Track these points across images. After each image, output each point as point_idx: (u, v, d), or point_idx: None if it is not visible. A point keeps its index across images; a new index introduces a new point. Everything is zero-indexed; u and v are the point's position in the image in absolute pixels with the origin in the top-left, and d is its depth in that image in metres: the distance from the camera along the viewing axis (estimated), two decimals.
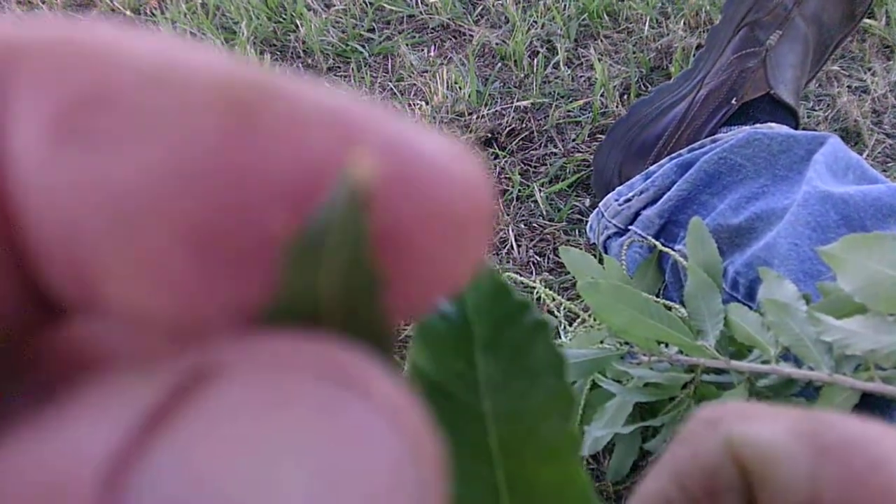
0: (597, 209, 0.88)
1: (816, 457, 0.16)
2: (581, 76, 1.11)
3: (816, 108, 1.04)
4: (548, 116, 1.05)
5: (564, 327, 0.74)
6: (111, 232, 0.09)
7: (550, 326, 0.17)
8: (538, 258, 0.89)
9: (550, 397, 0.17)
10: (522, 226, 0.92)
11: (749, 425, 0.17)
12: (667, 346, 0.63)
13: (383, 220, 0.09)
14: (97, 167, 0.09)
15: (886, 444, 0.16)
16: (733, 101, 0.89)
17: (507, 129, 1.03)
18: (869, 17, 1.13)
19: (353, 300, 0.10)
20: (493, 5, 1.22)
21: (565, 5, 1.21)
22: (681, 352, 0.61)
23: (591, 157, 0.99)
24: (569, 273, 0.85)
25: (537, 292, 0.81)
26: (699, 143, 0.85)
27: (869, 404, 0.52)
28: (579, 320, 0.73)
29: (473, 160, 0.10)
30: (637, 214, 0.83)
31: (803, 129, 0.94)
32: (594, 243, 0.88)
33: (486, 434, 0.17)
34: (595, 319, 0.69)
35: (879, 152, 0.98)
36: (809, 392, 0.56)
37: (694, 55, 1.09)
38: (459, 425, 0.17)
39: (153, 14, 1.25)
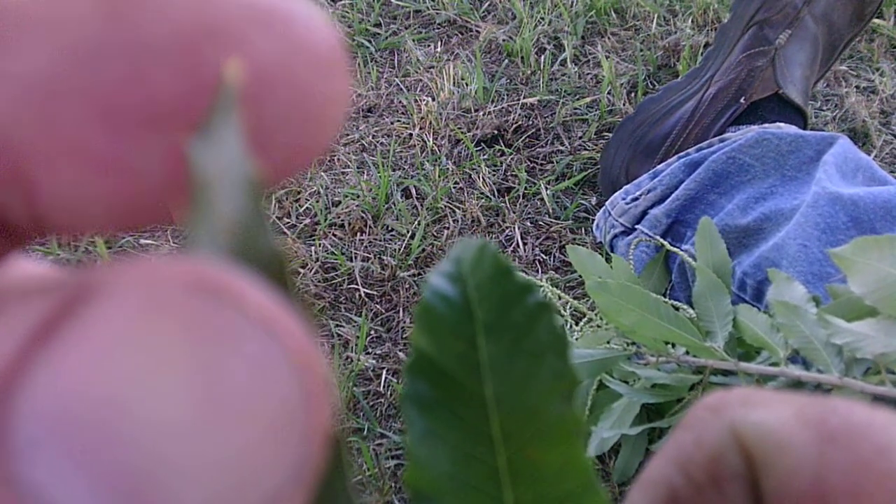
0: (603, 208, 0.87)
1: (822, 442, 0.16)
2: (588, 73, 1.10)
3: (824, 108, 1.04)
4: (554, 114, 1.04)
5: (571, 326, 0.74)
6: (32, 120, 0.10)
7: (553, 307, 0.17)
8: (544, 256, 0.89)
9: (553, 379, 0.16)
10: (528, 224, 0.92)
11: (754, 411, 0.17)
12: (674, 346, 0.63)
13: (254, 66, 0.11)
14: (5, 68, 0.10)
15: (893, 429, 0.16)
16: (742, 101, 0.88)
17: (514, 126, 1.03)
18: (878, 18, 1.12)
19: (243, 224, 0.11)
20: (500, 1, 1.21)
21: (573, 2, 1.20)
22: (688, 353, 0.61)
23: (598, 155, 0.98)
24: (575, 272, 0.85)
25: (543, 291, 0.81)
26: (707, 142, 0.85)
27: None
28: (586, 319, 0.72)
29: (320, 10, 0.12)
30: (644, 213, 0.82)
31: (811, 129, 0.94)
32: (600, 242, 0.88)
33: (488, 417, 0.17)
34: (602, 319, 0.69)
35: (888, 153, 0.98)
36: (818, 395, 0.56)
37: (702, 53, 1.08)
38: (461, 408, 0.17)
39: None
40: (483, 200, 0.94)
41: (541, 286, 0.79)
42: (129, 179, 0.11)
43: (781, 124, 0.86)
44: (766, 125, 0.86)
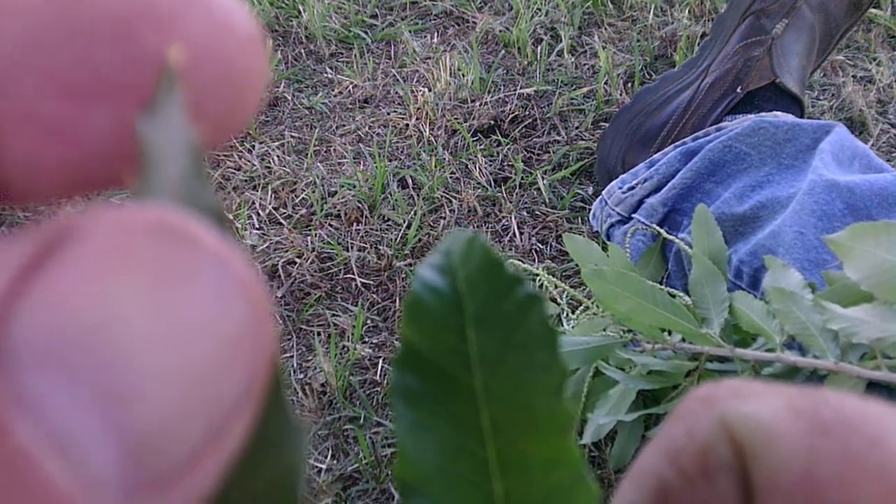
0: (600, 197, 0.87)
1: (813, 434, 0.15)
2: (585, 64, 1.10)
3: (821, 97, 1.04)
4: (551, 104, 1.04)
5: (567, 315, 0.74)
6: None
7: (543, 299, 0.17)
8: (541, 246, 0.88)
9: (543, 371, 0.16)
10: (525, 213, 0.92)
11: (745, 403, 0.17)
12: (670, 333, 0.63)
13: (185, 45, 0.12)
14: None
15: (886, 421, 0.16)
16: (738, 90, 0.88)
17: (511, 116, 1.03)
18: (875, 7, 1.12)
19: (188, 182, 0.12)
20: None
21: None
22: (684, 340, 0.61)
23: (595, 144, 0.98)
24: (571, 261, 0.85)
25: (540, 280, 0.81)
26: (704, 131, 0.85)
27: (875, 393, 0.52)
28: (582, 307, 0.72)
29: None
30: (640, 202, 0.82)
31: (808, 118, 0.93)
32: (597, 231, 0.87)
33: (478, 409, 0.16)
34: (598, 307, 0.69)
35: (884, 142, 0.98)
36: (814, 380, 0.56)
37: (698, 44, 1.08)
38: (450, 401, 0.16)
39: None
40: (480, 190, 0.94)
41: (537, 275, 0.79)
42: (79, 146, 0.12)
43: (778, 113, 0.86)
44: (763, 114, 0.86)
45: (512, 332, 0.17)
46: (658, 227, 0.77)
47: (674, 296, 0.64)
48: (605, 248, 0.73)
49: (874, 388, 0.52)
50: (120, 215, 0.10)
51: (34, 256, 0.09)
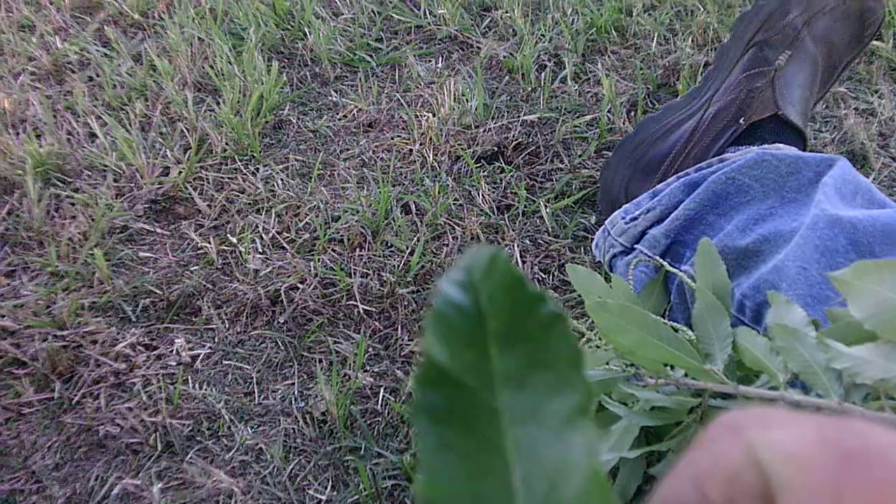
0: (603, 227, 0.87)
1: (840, 464, 0.15)
2: (588, 91, 1.11)
3: (823, 129, 1.04)
4: (554, 131, 1.04)
5: None
6: None
7: (567, 318, 0.17)
8: (543, 275, 0.89)
9: (568, 391, 0.16)
10: (528, 241, 0.92)
11: (772, 431, 0.17)
12: (673, 368, 0.63)
13: None
14: None
15: None
16: (741, 121, 0.88)
17: (514, 143, 1.03)
18: (877, 40, 1.13)
19: None
20: (501, 17, 1.22)
21: (573, 20, 1.21)
22: (687, 375, 0.61)
23: (598, 173, 0.98)
24: (574, 291, 0.85)
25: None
26: (707, 162, 0.85)
27: None
28: (584, 339, 0.72)
29: None
30: (643, 233, 0.82)
31: (810, 150, 0.94)
32: (599, 261, 0.88)
33: (501, 430, 0.16)
34: (601, 339, 0.69)
35: (886, 175, 0.98)
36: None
37: (701, 73, 1.08)
38: (474, 420, 0.16)
39: (161, 18, 1.25)
40: (482, 217, 0.94)
41: None
42: None
43: (781, 145, 0.86)
44: (766, 146, 0.86)
45: (536, 351, 0.17)
46: (661, 260, 0.77)
47: (677, 330, 0.64)
48: (608, 279, 0.73)
49: None
50: None
51: None
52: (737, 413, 0.18)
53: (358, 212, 0.95)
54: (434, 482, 0.16)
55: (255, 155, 1.04)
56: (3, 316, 0.84)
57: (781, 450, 0.16)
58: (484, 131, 1.05)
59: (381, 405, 0.78)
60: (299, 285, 0.87)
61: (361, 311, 0.85)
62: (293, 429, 0.76)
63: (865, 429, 0.16)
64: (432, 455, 0.16)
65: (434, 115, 1.06)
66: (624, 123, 1.05)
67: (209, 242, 0.92)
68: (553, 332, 0.17)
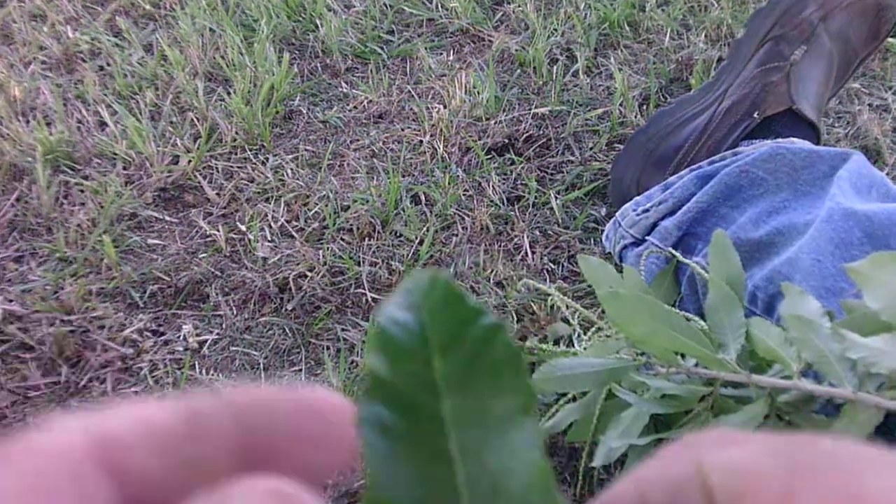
0: (613, 219, 0.87)
1: (790, 474, 0.16)
2: (600, 85, 1.10)
3: (837, 125, 1.04)
4: (566, 124, 1.04)
5: (579, 335, 0.73)
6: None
7: (506, 327, 0.17)
8: (552, 266, 0.88)
9: (511, 395, 0.17)
10: (537, 232, 0.91)
11: (723, 450, 0.17)
12: (684, 357, 0.62)
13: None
14: None
15: (861, 457, 0.16)
16: (755, 115, 0.88)
17: (525, 135, 1.03)
18: (892, 37, 1.12)
19: None
20: (513, 11, 1.21)
21: (586, 14, 1.20)
22: (698, 364, 0.60)
23: (609, 166, 0.98)
24: (584, 281, 0.84)
25: (552, 300, 0.80)
26: (720, 155, 0.85)
27: (892, 424, 0.51)
28: (594, 328, 0.72)
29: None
30: (654, 225, 0.82)
31: (824, 145, 0.93)
32: (609, 253, 0.87)
33: (446, 436, 0.17)
34: (611, 329, 0.68)
35: None
36: (830, 409, 0.55)
37: (714, 68, 1.08)
38: (419, 428, 0.17)
39: (172, 9, 1.24)
40: (492, 208, 0.94)
41: (549, 295, 0.79)
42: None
43: (795, 139, 0.85)
44: (780, 140, 0.85)
45: (477, 358, 0.17)
46: (672, 251, 0.77)
47: (689, 320, 0.63)
48: (618, 270, 0.73)
49: (891, 418, 0.51)
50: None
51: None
52: (695, 433, 0.19)
53: (367, 202, 0.94)
54: (382, 492, 0.16)
55: (265, 144, 1.03)
56: (11, 300, 0.84)
57: (730, 465, 0.16)
58: (495, 123, 1.04)
59: None
60: (308, 273, 0.87)
61: (370, 299, 0.84)
62: None
63: (813, 439, 0.16)
64: (379, 466, 0.16)
65: (445, 107, 1.06)
66: (636, 117, 1.04)
67: (218, 230, 0.91)
68: (493, 340, 0.17)
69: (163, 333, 0.82)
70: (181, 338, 0.82)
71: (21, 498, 0.17)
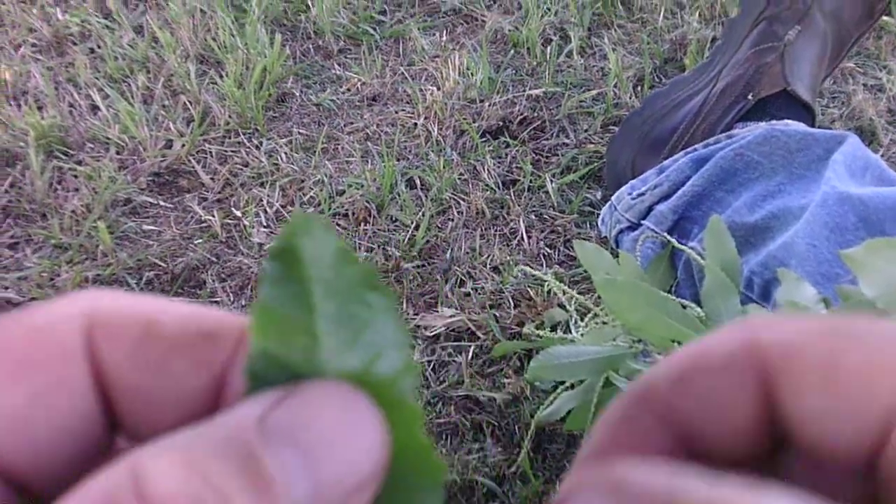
0: (609, 202, 0.87)
1: (833, 334, 0.17)
2: (594, 66, 1.10)
3: (831, 105, 1.04)
4: (560, 106, 1.04)
5: (576, 321, 0.74)
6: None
7: (394, 299, 0.18)
8: (549, 250, 0.88)
9: (394, 371, 0.18)
10: (533, 216, 0.91)
11: (778, 327, 0.18)
12: (680, 345, 0.63)
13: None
14: None
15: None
16: (749, 97, 0.88)
17: (519, 117, 1.02)
18: (887, 15, 1.11)
19: None
20: None
21: None
22: None
23: (604, 148, 0.98)
24: (579, 266, 0.85)
25: (548, 285, 0.80)
26: (714, 138, 0.85)
27: None
28: (591, 315, 0.72)
29: None
30: (650, 209, 0.82)
31: (819, 126, 0.93)
32: (605, 237, 0.87)
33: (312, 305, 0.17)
34: (608, 315, 0.69)
35: (895, 152, 0.98)
36: None
37: (709, 48, 1.08)
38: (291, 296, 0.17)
39: None
40: (488, 192, 0.94)
41: (545, 281, 0.79)
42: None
43: (790, 121, 0.85)
44: (774, 122, 0.85)
45: (362, 333, 0.18)
46: (668, 236, 0.77)
47: (685, 307, 0.64)
48: (614, 255, 0.73)
49: None
50: (318, 385, 0.17)
51: (274, 399, 0.17)
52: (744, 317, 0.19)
53: (362, 186, 0.94)
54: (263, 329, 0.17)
55: (259, 128, 1.03)
56: (7, 288, 0.84)
57: (786, 339, 0.17)
58: (489, 105, 1.04)
59: None
60: None
61: None
62: None
63: (853, 316, 0.17)
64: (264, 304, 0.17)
65: (439, 89, 1.05)
66: (630, 98, 1.04)
67: (213, 216, 0.91)
68: (379, 314, 0.18)
69: None
70: None
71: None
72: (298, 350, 0.17)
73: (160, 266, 0.87)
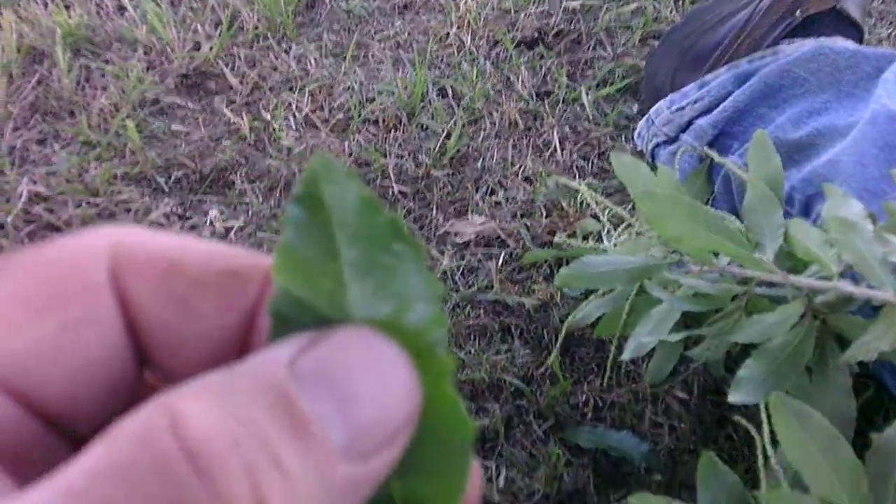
0: (647, 116, 0.85)
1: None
2: None
3: (878, 25, 1.00)
4: (598, 19, 1.01)
5: (608, 232, 0.73)
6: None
7: (422, 249, 0.18)
8: (582, 162, 0.87)
9: (423, 323, 0.17)
10: (567, 129, 0.90)
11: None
12: (718, 256, 0.62)
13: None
14: None
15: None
16: (797, 13, 0.85)
17: (555, 29, 1.00)
18: None
19: None
20: None
21: None
22: (731, 263, 0.60)
23: (642, 62, 0.95)
24: (614, 178, 0.83)
25: (581, 196, 0.79)
26: (759, 54, 0.82)
27: None
28: (624, 225, 0.71)
29: None
30: (689, 123, 0.80)
31: (866, 45, 0.90)
32: (641, 150, 0.86)
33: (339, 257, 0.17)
34: (642, 226, 0.67)
35: None
36: (867, 311, 0.55)
37: None
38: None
39: None
40: (521, 103, 0.92)
41: (577, 191, 0.78)
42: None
43: (838, 39, 0.82)
44: (822, 39, 0.82)
45: (390, 282, 0.17)
46: (708, 150, 0.75)
47: (724, 219, 0.62)
48: (650, 168, 0.72)
49: None
50: (348, 331, 0.17)
51: (306, 342, 0.16)
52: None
53: (393, 94, 0.92)
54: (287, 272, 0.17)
55: (288, 33, 1.01)
56: (36, 181, 0.83)
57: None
58: (524, 16, 1.01)
59: None
60: None
61: (396, 191, 0.84)
62: None
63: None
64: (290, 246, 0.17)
65: (474, 0, 1.02)
66: (671, 13, 1.01)
67: (241, 118, 0.90)
68: (408, 263, 0.17)
69: (189, 218, 0.82)
70: (207, 223, 0.81)
71: (27, 303, 0.17)
72: (324, 295, 0.17)
73: (188, 166, 0.86)
